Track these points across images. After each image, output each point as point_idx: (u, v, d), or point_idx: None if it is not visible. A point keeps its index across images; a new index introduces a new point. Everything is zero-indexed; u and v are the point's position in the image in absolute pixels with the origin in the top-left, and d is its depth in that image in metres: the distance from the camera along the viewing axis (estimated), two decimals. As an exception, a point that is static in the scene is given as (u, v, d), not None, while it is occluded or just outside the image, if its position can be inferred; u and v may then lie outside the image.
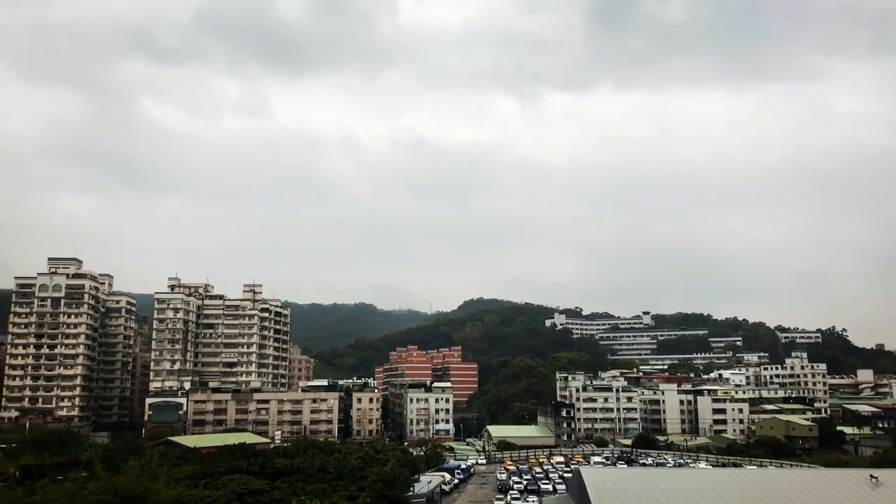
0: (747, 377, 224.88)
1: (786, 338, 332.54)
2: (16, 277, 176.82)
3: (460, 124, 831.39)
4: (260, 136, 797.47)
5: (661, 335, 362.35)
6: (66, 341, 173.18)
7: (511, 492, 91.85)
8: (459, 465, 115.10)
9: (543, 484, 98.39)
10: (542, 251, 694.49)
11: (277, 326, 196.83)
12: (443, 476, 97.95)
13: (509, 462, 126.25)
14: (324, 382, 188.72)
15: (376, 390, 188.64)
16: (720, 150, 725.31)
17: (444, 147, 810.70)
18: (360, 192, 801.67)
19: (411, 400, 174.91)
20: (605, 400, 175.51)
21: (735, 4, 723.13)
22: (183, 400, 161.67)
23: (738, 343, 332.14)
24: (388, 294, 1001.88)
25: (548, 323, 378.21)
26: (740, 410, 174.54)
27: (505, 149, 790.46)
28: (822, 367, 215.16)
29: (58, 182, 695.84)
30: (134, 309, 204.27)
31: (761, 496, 49.73)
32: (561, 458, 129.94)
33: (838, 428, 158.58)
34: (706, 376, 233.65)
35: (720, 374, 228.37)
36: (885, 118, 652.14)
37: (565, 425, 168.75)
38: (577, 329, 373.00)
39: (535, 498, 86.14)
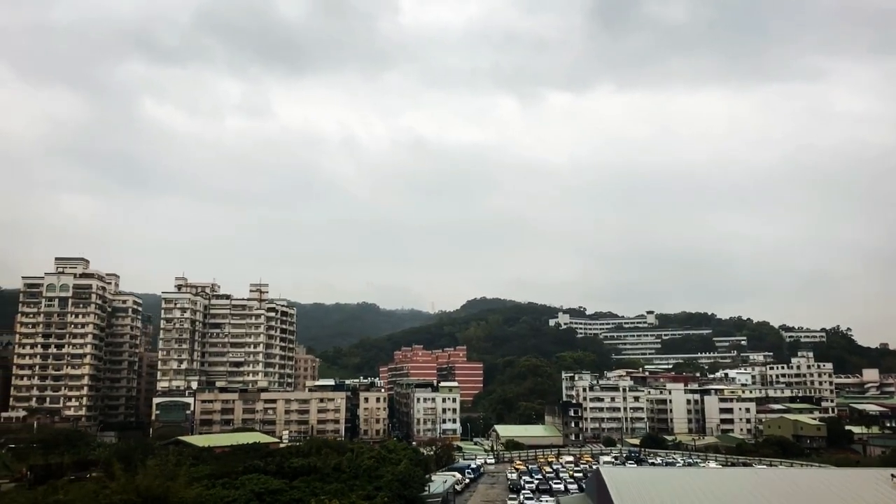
0: (753, 377, 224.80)
1: (790, 337, 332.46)
2: (23, 277, 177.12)
3: (461, 124, 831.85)
4: (261, 137, 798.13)
5: (665, 335, 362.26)
6: (74, 341, 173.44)
7: (523, 491, 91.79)
8: (469, 465, 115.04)
9: (555, 484, 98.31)
10: (543, 251, 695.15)
11: (284, 326, 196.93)
12: (455, 475, 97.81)
13: (519, 462, 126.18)
14: (330, 382, 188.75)
15: (382, 390, 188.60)
16: (721, 150, 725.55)
17: (445, 147, 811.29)
18: (360, 192, 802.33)
19: (418, 399, 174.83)
20: (612, 399, 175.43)
21: (735, 4, 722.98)
22: (190, 399, 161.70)
23: (742, 342, 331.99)
24: (390, 294, 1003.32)
25: (551, 322, 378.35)
26: (747, 410, 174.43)
27: (505, 149, 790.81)
28: (829, 366, 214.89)
29: (59, 182, 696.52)
30: (140, 309, 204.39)
31: (786, 496, 49.56)
32: (570, 458, 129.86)
33: (846, 427, 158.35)
34: (712, 376, 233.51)
35: (726, 374, 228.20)
36: (885, 118, 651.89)
37: (573, 425, 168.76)
38: (581, 328, 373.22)
39: (549, 497, 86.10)
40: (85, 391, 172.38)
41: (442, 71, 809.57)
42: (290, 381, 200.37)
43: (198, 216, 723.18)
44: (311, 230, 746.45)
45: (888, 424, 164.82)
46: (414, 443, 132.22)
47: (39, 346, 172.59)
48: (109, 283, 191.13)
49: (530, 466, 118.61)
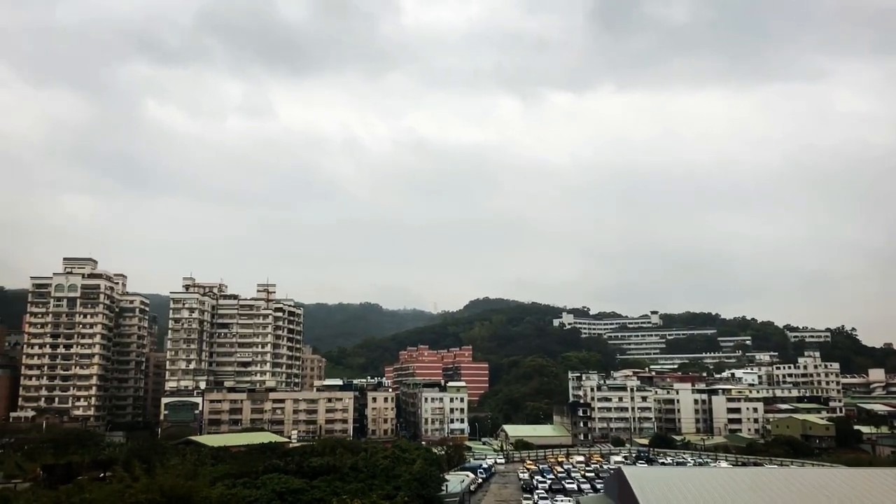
0: (759, 376, 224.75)
1: (795, 337, 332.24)
2: (32, 277, 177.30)
3: (462, 125, 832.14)
4: (262, 137, 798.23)
5: (669, 335, 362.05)
6: (82, 341, 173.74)
7: (537, 491, 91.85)
8: (481, 465, 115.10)
9: (567, 483, 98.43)
10: (543, 251, 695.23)
11: (291, 326, 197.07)
12: (468, 475, 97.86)
13: (530, 462, 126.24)
14: (338, 382, 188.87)
15: (390, 390, 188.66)
16: (722, 150, 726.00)
17: (446, 147, 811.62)
18: (361, 192, 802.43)
19: (426, 399, 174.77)
20: (620, 399, 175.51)
21: (736, 5, 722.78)
22: (199, 399, 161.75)
23: (747, 342, 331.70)
24: (391, 294, 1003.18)
25: (556, 322, 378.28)
26: (755, 410, 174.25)
27: (506, 149, 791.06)
28: (836, 366, 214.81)
29: (60, 183, 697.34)
30: (147, 309, 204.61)
31: (812, 496, 49.60)
32: (581, 458, 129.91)
33: (855, 427, 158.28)
34: (718, 375, 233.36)
35: (732, 374, 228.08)
36: (887, 118, 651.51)
37: (582, 425, 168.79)
38: (585, 329, 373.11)
39: (563, 497, 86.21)
40: (93, 391, 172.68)
41: (443, 71, 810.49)
42: (297, 381, 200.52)
43: (199, 216, 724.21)
44: (312, 230, 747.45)
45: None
46: (423, 443, 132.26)
47: (48, 346, 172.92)
48: (117, 284, 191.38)
49: (541, 466, 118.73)
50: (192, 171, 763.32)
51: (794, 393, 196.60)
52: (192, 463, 67.59)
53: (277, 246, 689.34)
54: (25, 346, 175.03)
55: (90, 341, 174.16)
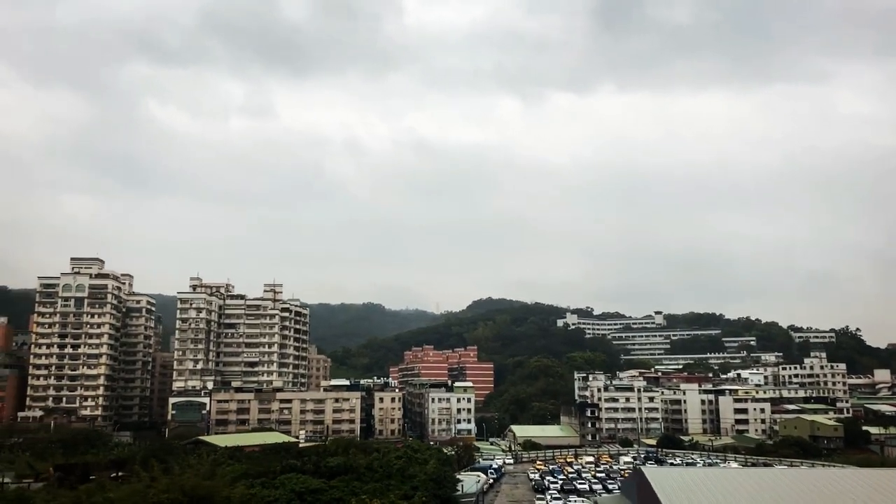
0: (765, 377, 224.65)
1: (799, 337, 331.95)
2: (39, 277, 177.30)
3: (463, 125, 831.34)
4: (263, 138, 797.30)
5: (673, 335, 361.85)
6: (90, 341, 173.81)
7: (550, 491, 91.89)
8: (491, 465, 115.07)
9: (579, 484, 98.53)
10: (545, 251, 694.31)
11: (297, 326, 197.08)
12: (480, 475, 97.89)
13: (540, 462, 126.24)
14: (345, 382, 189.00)
15: (397, 390, 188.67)
16: (724, 151, 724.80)
17: (447, 148, 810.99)
18: (362, 192, 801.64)
19: (433, 399, 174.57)
20: (627, 400, 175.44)
21: (739, 6, 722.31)
22: (206, 400, 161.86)
23: (751, 343, 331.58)
24: (394, 294, 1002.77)
25: (559, 323, 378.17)
26: (762, 410, 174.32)
27: (508, 149, 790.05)
28: (842, 367, 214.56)
29: (61, 183, 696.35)
30: (154, 309, 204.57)
31: (834, 497, 49.59)
32: (590, 459, 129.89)
33: (863, 428, 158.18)
34: (724, 376, 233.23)
35: (738, 374, 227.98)
36: (889, 120, 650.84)
37: (590, 425, 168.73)
38: (589, 329, 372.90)
39: (576, 497, 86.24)
40: (101, 391, 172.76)
41: (445, 72, 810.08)
42: (303, 380, 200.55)
43: (199, 216, 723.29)
44: (313, 230, 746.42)
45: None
46: (433, 443, 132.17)
47: (56, 346, 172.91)
48: (124, 284, 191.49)
49: (551, 467, 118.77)
50: (193, 171, 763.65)
51: (801, 394, 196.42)
52: (209, 463, 67.62)
53: (278, 246, 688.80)
54: (33, 345, 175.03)
55: (98, 341, 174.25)
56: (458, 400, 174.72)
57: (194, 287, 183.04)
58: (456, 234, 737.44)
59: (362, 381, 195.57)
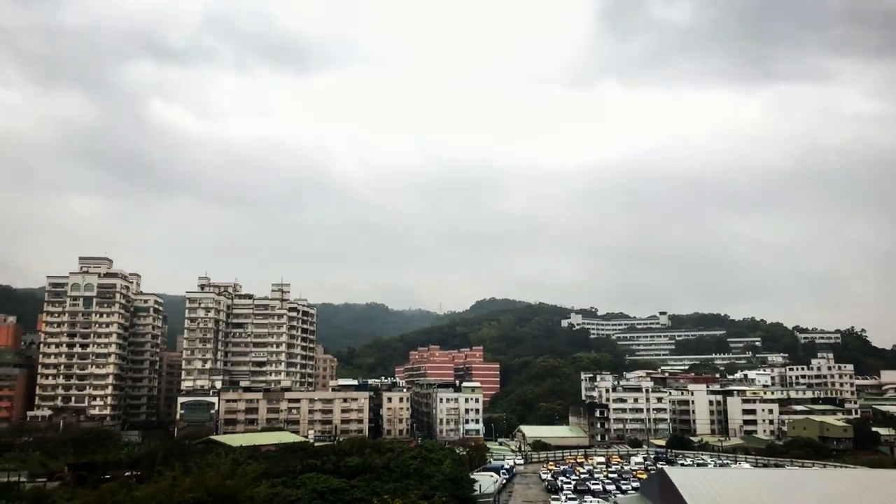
0: (772, 378, 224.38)
1: (805, 338, 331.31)
2: (48, 276, 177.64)
3: (468, 125, 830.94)
4: (267, 138, 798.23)
5: (678, 335, 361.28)
6: (99, 340, 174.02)
7: (564, 492, 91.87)
8: (502, 465, 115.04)
9: (592, 484, 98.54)
10: (548, 252, 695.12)
11: (305, 326, 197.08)
12: (493, 475, 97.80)
13: (551, 463, 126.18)
14: (352, 382, 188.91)
15: (405, 390, 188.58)
16: (728, 151, 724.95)
17: (451, 147, 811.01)
18: (366, 193, 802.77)
19: (441, 400, 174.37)
20: (636, 400, 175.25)
21: (742, 6, 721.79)
22: (214, 399, 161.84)
23: (756, 343, 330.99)
24: (396, 294, 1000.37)
25: (564, 323, 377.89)
26: (770, 411, 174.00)
27: (511, 150, 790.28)
28: (850, 367, 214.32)
29: (67, 183, 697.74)
30: (161, 308, 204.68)
31: (858, 496, 49.51)
32: (601, 459, 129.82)
33: (873, 429, 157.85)
34: (731, 377, 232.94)
35: (745, 375, 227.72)
36: (894, 118, 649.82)
37: (599, 426, 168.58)
38: (593, 329, 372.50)
39: (591, 498, 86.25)
40: (109, 390, 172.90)
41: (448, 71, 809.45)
42: (310, 380, 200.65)
43: (203, 216, 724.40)
44: (315, 230, 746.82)
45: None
46: (448, 444, 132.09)
47: (64, 345, 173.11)
48: (132, 283, 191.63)
49: (562, 467, 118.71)
50: (198, 172, 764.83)
51: (809, 394, 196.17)
52: (229, 462, 67.49)
53: (280, 245, 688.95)
54: (42, 345, 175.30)
55: (106, 340, 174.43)
56: (467, 400, 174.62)
57: (202, 286, 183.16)
58: (458, 234, 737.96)
59: (370, 381, 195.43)
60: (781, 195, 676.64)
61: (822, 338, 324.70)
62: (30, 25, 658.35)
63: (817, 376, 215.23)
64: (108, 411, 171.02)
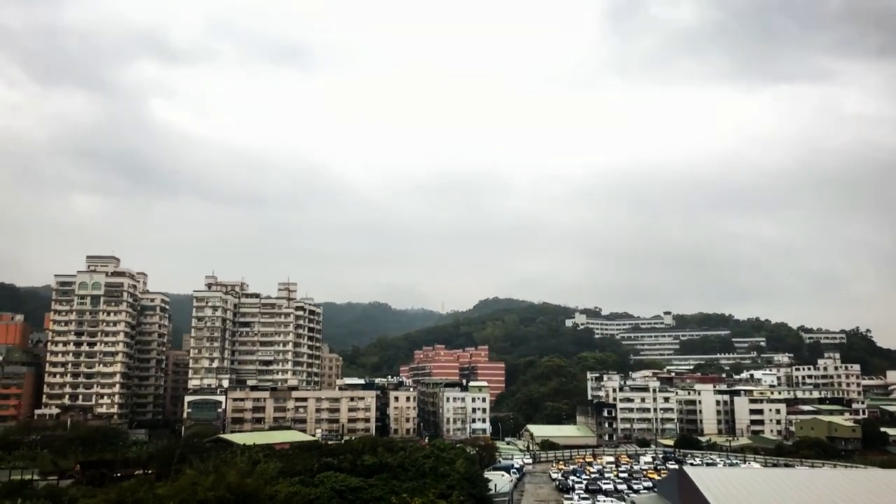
0: (778, 378, 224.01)
1: (810, 338, 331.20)
2: (56, 275, 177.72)
3: (471, 125, 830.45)
4: (269, 137, 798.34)
5: (682, 335, 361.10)
6: (106, 339, 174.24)
7: (576, 491, 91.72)
8: (512, 465, 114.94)
9: (604, 484, 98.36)
10: (551, 251, 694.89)
11: (311, 325, 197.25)
12: (504, 475, 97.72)
13: (561, 462, 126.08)
14: (358, 381, 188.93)
15: (411, 389, 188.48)
16: (731, 151, 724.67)
17: (452, 147, 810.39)
18: (368, 192, 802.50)
19: (448, 399, 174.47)
20: (643, 400, 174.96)
21: (743, 7, 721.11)
22: (221, 398, 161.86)
23: (761, 344, 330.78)
24: (398, 293, 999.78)
25: (568, 323, 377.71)
26: (777, 411, 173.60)
27: (514, 149, 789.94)
28: (857, 368, 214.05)
29: (70, 182, 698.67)
30: (167, 307, 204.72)
31: (880, 497, 49.38)
32: (610, 458, 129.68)
33: (881, 430, 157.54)
34: (737, 377, 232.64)
35: (751, 375, 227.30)
36: (894, 119, 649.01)
37: (606, 425, 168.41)
38: (597, 329, 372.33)
39: (604, 497, 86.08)
40: (117, 389, 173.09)
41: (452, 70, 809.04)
42: (316, 379, 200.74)
43: (204, 216, 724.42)
44: (317, 229, 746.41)
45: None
46: (458, 443, 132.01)
47: (72, 343, 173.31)
48: (138, 282, 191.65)
49: (571, 467, 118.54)
50: (199, 171, 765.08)
51: (815, 395, 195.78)
52: (247, 461, 67.64)
53: (282, 244, 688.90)
54: (49, 343, 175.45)
55: (114, 339, 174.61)
56: (473, 399, 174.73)
57: (209, 285, 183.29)
58: (460, 234, 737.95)
59: (377, 381, 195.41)
60: (784, 195, 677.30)
61: (827, 338, 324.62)
62: (33, 25, 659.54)
63: (824, 376, 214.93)
64: (115, 410, 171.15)
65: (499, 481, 78.50)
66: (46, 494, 70.92)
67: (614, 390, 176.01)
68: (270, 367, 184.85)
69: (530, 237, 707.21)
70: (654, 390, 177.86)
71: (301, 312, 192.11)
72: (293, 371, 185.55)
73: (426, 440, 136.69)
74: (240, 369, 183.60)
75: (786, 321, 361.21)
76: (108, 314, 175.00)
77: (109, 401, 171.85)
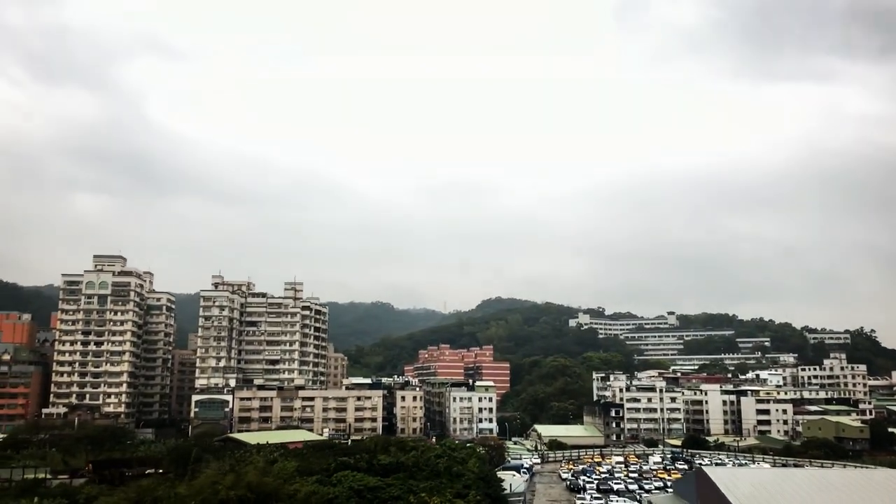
0: (784, 378, 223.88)
1: (814, 339, 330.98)
2: (63, 274, 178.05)
3: (474, 124, 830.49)
4: (270, 137, 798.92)
5: (686, 335, 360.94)
6: (113, 338, 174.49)
7: (588, 491, 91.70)
8: (522, 465, 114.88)
9: (615, 484, 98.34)
10: (554, 251, 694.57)
11: (317, 325, 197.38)
12: (514, 474, 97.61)
13: (570, 462, 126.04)
14: (364, 380, 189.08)
15: (418, 388, 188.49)
16: (733, 151, 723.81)
17: (454, 146, 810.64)
18: (368, 191, 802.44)
19: (454, 399, 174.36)
20: (649, 400, 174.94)
21: (746, 6, 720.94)
22: (229, 397, 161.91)
23: (765, 344, 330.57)
24: (400, 293, 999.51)
25: (571, 322, 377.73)
26: (784, 412, 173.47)
27: (515, 148, 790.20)
28: (863, 368, 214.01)
29: (72, 182, 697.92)
30: (173, 307, 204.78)
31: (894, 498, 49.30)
32: (619, 458, 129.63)
33: (889, 430, 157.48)
34: (742, 377, 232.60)
35: (757, 375, 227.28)
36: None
37: (614, 425, 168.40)
38: (601, 329, 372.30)
39: (616, 497, 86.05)
40: (124, 388, 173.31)
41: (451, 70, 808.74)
42: (322, 378, 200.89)
43: (207, 215, 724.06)
44: (318, 229, 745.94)
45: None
46: (469, 443, 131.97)
47: (79, 343, 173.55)
48: (145, 281, 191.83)
49: (581, 467, 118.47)
50: (201, 171, 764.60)
51: (822, 395, 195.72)
52: (263, 460, 67.65)
53: (284, 244, 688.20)
54: (57, 342, 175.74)
55: (121, 338, 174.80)
56: (480, 399, 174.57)
57: (216, 285, 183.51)
58: (462, 233, 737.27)
59: (383, 380, 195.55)
60: (786, 195, 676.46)
61: (832, 338, 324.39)
62: (35, 24, 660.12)
63: (830, 377, 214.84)
64: (122, 409, 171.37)
65: (513, 481, 78.44)
66: (62, 493, 70.98)
67: (621, 390, 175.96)
68: (277, 367, 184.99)
69: (532, 237, 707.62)
70: (661, 390, 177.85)
71: (307, 312, 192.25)
72: (299, 370, 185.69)
73: (434, 440, 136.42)
74: (246, 368, 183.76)
75: (790, 321, 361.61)
76: (116, 313, 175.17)
77: (116, 400, 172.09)
